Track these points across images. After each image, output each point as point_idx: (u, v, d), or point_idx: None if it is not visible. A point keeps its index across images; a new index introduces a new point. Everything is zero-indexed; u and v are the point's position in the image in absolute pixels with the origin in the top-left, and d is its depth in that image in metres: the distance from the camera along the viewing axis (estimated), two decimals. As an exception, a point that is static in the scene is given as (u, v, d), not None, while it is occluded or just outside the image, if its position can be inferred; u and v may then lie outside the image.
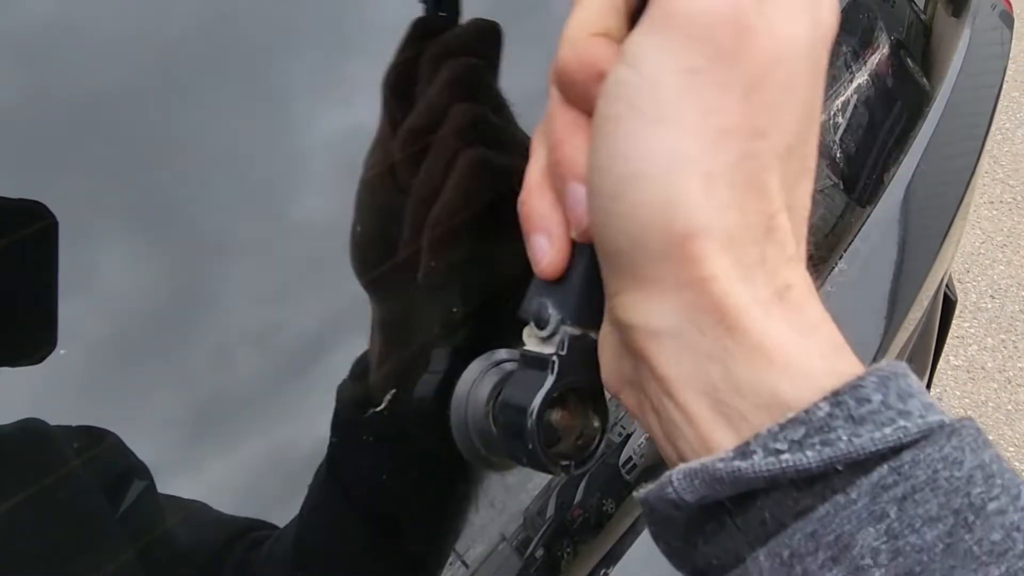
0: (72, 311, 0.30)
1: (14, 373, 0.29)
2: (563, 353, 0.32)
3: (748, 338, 0.24)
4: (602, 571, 0.46)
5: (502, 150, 0.37)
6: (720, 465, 0.24)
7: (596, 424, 0.33)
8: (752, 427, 0.24)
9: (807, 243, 0.28)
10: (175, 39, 0.35)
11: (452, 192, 0.37)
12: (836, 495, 0.23)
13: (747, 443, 0.24)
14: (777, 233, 0.26)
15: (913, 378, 0.24)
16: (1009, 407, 1.77)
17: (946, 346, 1.12)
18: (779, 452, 0.23)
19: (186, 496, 0.31)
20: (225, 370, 0.33)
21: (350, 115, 0.38)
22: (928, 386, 1.10)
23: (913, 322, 0.75)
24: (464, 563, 0.39)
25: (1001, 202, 2.21)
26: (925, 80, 0.77)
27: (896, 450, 0.23)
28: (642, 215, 0.25)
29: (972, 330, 1.91)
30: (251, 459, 0.33)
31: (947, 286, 0.99)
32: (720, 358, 0.25)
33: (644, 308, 0.26)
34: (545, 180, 0.30)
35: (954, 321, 1.10)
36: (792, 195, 0.27)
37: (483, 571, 0.40)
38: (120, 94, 0.33)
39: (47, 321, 0.29)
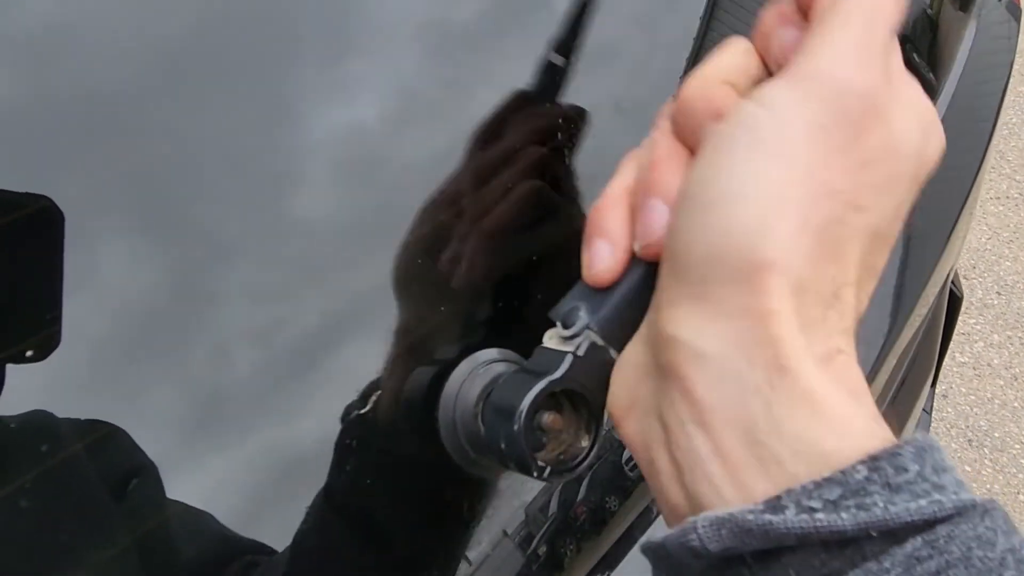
0: (76, 307, 0.30)
1: (18, 369, 0.29)
2: (580, 354, 0.31)
3: (797, 381, 0.24)
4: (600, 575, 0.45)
5: (558, 192, 0.41)
6: (750, 516, 0.23)
7: (584, 444, 0.33)
8: (786, 473, 0.24)
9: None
10: (177, 39, 0.35)
11: (505, 208, 0.39)
12: (867, 562, 0.22)
13: (778, 497, 0.23)
14: (839, 303, 0.27)
15: (945, 453, 0.25)
16: (1015, 404, 1.76)
17: (952, 343, 1.12)
18: (813, 510, 0.23)
19: (194, 497, 0.32)
20: (228, 367, 0.33)
21: (351, 113, 0.37)
22: (934, 383, 1.09)
23: (919, 318, 0.75)
24: (467, 559, 0.39)
25: (1008, 198, 2.20)
26: (931, 75, 0.76)
27: (930, 523, 0.23)
28: (729, 231, 0.26)
29: (978, 326, 1.90)
30: (252, 456, 0.33)
31: (953, 282, 0.98)
32: (764, 395, 0.25)
33: (696, 325, 0.26)
34: (624, 196, 0.31)
35: (960, 318, 1.10)
36: (862, 279, 0.28)
37: (486, 568, 0.40)
38: (123, 93, 0.33)
39: (52, 317, 0.29)
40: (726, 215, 0.26)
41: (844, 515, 0.22)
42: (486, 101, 0.41)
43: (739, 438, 0.25)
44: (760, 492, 0.24)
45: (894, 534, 0.22)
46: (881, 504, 0.23)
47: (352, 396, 0.36)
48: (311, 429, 0.35)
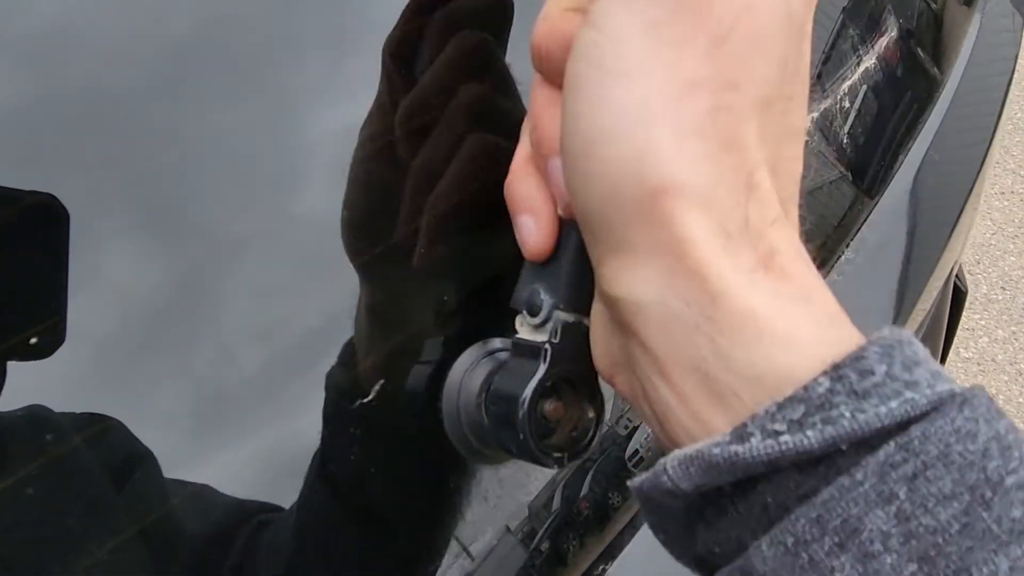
0: (80, 305, 0.30)
1: (22, 366, 0.29)
2: (555, 341, 0.31)
3: (733, 306, 0.23)
4: (600, 567, 0.45)
5: (507, 136, 0.35)
6: (716, 451, 0.22)
7: (591, 415, 0.32)
8: (745, 404, 0.23)
9: (800, 212, 0.27)
10: (180, 39, 0.35)
11: (454, 176, 0.36)
12: (840, 477, 0.21)
13: (744, 425, 0.22)
14: (758, 191, 0.24)
15: (918, 345, 0.23)
16: (1021, 400, 1.76)
17: (956, 338, 1.12)
18: (778, 434, 0.21)
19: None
20: (230, 364, 0.33)
21: (351, 112, 0.37)
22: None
23: (922, 313, 0.74)
24: (469, 555, 0.39)
25: (1012, 193, 2.20)
26: (936, 70, 0.76)
27: (904, 425, 0.21)
28: (612, 171, 0.24)
29: (983, 322, 1.90)
30: (255, 452, 0.33)
31: (957, 277, 0.98)
32: (706, 330, 0.23)
33: (626, 278, 0.25)
34: (529, 162, 0.30)
35: (964, 313, 1.10)
36: (776, 153, 0.25)
37: (489, 563, 0.40)
38: (126, 93, 0.33)
39: (56, 314, 0.29)
40: (601, 158, 0.24)
41: (810, 433, 0.21)
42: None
43: (695, 380, 0.23)
44: (728, 429, 0.23)
45: (867, 443, 0.21)
46: (848, 415, 0.21)
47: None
48: (314, 426, 0.35)
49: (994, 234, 2.11)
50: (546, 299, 0.31)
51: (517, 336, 0.32)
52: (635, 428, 0.48)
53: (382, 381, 0.36)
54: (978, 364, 1.82)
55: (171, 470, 0.31)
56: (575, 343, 0.31)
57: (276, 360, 0.34)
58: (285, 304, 0.35)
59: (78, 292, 0.30)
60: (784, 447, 0.21)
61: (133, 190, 0.32)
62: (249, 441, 0.33)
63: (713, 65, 0.24)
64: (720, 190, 0.24)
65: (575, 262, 0.30)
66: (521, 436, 0.31)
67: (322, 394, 0.35)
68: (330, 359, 0.35)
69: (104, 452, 0.30)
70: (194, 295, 0.33)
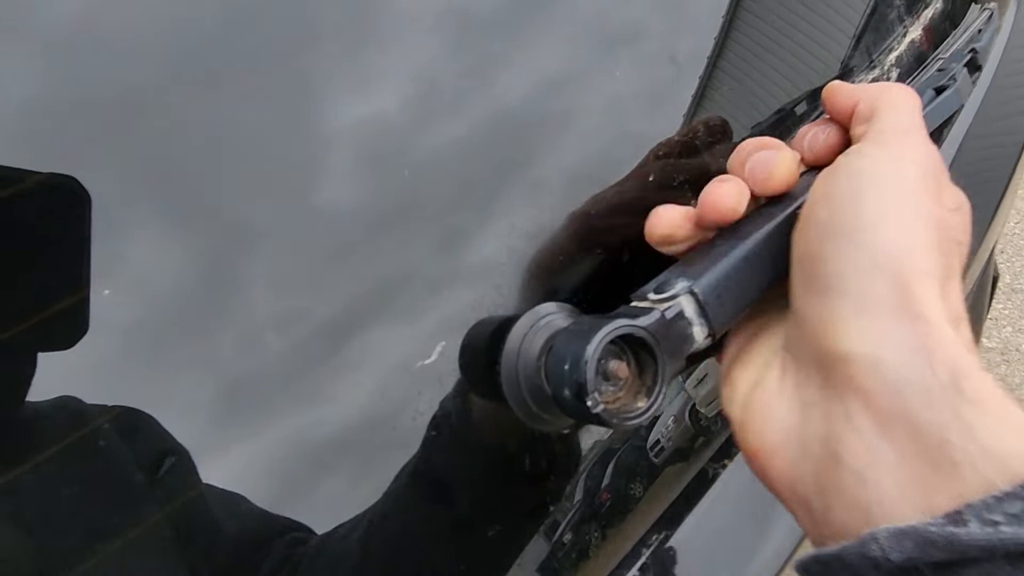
0: (103, 295, 0.29)
1: (46, 357, 0.28)
2: (668, 316, 0.31)
3: (978, 384, 0.25)
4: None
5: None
6: (934, 528, 0.24)
7: (640, 405, 0.32)
8: (979, 475, 0.24)
9: None
10: (201, 31, 0.34)
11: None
12: None
13: (959, 511, 0.24)
14: (963, 326, 0.29)
15: None
16: (1043, 390, 1.74)
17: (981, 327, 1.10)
18: (996, 523, 0.23)
19: (223, 483, 0.32)
20: (253, 355, 0.33)
21: (372, 104, 0.37)
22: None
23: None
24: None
25: (1039, 180, 2.17)
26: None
27: None
28: (879, 249, 0.28)
29: (1006, 312, 1.88)
30: (278, 443, 0.33)
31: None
32: (952, 398, 0.25)
33: (867, 336, 0.27)
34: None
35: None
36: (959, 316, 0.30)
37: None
38: (148, 85, 0.33)
39: (79, 303, 0.29)
40: (874, 237, 0.28)
41: None
42: (507, 89, 0.41)
43: (927, 442, 0.25)
44: (955, 492, 0.25)
45: None
46: None
47: (374, 381, 0.35)
48: (337, 415, 0.34)
49: (1018, 223, 2.08)
50: (681, 282, 0.31)
51: (630, 305, 0.32)
52: (656, 417, 0.47)
53: (443, 343, 0.36)
54: (1001, 354, 1.80)
55: (196, 459, 0.31)
56: (677, 337, 0.31)
57: (298, 350, 0.34)
58: (308, 294, 0.34)
59: (102, 283, 0.29)
60: (1003, 535, 0.23)
61: (155, 181, 0.32)
62: (273, 430, 0.33)
63: (950, 220, 0.30)
64: (947, 303, 0.28)
65: (726, 270, 0.31)
66: (588, 351, 0.29)
67: (346, 383, 0.35)
68: (355, 348, 0.35)
69: (137, 445, 0.30)
70: (218, 285, 0.33)
